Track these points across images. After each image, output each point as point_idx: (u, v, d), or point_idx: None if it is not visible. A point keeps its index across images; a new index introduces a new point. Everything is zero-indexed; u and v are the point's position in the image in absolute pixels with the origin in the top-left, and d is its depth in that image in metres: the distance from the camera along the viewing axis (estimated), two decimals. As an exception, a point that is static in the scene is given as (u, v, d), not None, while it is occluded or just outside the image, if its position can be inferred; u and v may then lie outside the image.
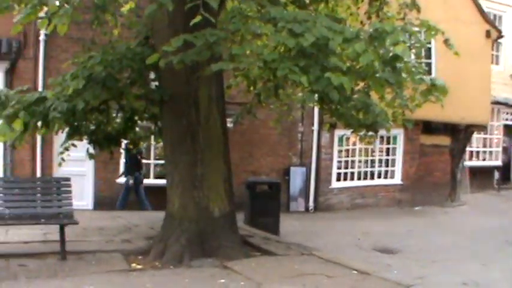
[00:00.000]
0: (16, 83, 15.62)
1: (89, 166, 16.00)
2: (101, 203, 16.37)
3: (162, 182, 15.22)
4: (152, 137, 13.19)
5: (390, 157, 20.41)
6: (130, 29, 11.94)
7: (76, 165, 15.14)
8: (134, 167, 16.03)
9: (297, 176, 18.35)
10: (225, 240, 9.57)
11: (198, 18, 7.01)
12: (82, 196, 15.74)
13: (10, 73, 16.41)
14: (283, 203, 15.57)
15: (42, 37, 16.35)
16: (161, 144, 13.42)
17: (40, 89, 15.20)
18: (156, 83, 10.21)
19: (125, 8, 12.15)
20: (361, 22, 12.03)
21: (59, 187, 9.90)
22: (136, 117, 11.03)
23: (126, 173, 16.09)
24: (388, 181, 20.33)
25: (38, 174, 16.17)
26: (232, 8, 9.87)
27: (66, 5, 7.93)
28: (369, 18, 11.98)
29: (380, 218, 17.16)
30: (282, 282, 8.03)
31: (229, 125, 12.69)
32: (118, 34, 11.93)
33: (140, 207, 15.99)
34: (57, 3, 8.10)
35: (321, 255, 9.74)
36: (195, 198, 9.55)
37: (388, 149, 20.38)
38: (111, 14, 11.08)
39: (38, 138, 15.34)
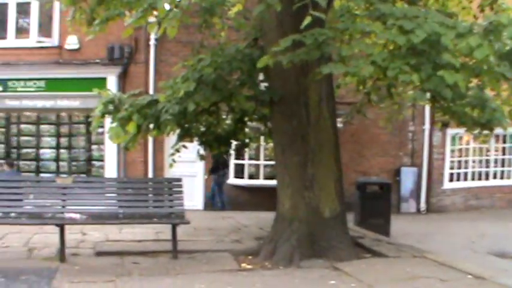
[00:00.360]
0: (128, 87, 16.17)
1: (199, 167, 16.29)
2: (211, 203, 16.61)
3: (271, 182, 15.31)
4: (262, 138, 13.18)
5: (507, 156, 19.69)
6: (237, 31, 12.03)
7: (187, 166, 15.45)
8: (219, 165, 16.11)
9: (408, 176, 18.03)
10: (335, 241, 9.41)
11: (308, 20, 6.92)
12: (192, 196, 16.02)
13: (122, 77, 17.01)
14: (393, 204, 15.29)
15: (152, 42, 16.85)
16: (270, 145, 13.46)
17: (151, 92, 15.66)
18: (266, 84, 10.21)
19: (233, 11, 12.27)
20: (474, 16, 11.58)
21: (171, 187, 10.09)
22: (246, 118, 11.06)
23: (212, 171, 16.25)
24: (505, 182, 19.65)
25: (150, 175, 16.64)
26: (341, 7, 9.76)
27: (174, 8, 8.06)
28: (482, 11, 11.48)
29: (496, 220, 16.55)
30: (393, 284, 7.82)
31: (339, 125, 12.55)
32: (225, 36, 12.05)
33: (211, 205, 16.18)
34: (167, 7, 8.27)
35: (433, 257, 9.42)
36: (305, 199, 9.44)
37: (504, 148, 19.68)
38: (218, 17, 11.19)
39: (150, 140, 15.72)
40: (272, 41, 9.14)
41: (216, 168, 16.32)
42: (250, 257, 9.62)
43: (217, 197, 16.55)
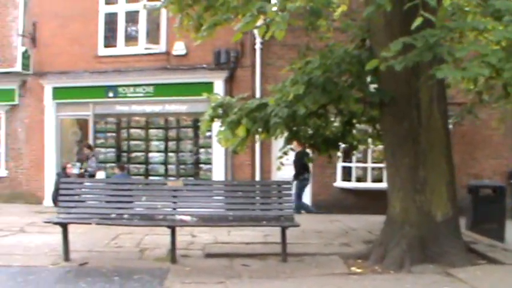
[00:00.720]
0: (235, 91, 16.37)
1: (306, 170, 16.21)
2: (318, 206, 16.53)
3: (379, 185, 15.11)
4: (369, 140, 12.96)
5: None
6: (343, 32, 11.92)
7: (294, 169, 15.39)
8: (300, 169, 15.87)
9: (523, 179, 17.29)
10: (447, 246, 9.13)
11: (419, 21, 6.75)
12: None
13: (229, 82, 17.21)
14: (508, 208, 14.68)
15: (258, 46, 16.95)
16: (378, 147, 13.23)
17: (257, 95, 15.72)
18: (375, 86, 10.05)
19: (337, 12, 12.18)
20: None
21: (280, 190, 10.09)
22: (354, 121, 10.90)
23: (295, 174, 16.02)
24: None
25: (257, 178, 16.70)
26: (451, 4, 9.49)
27: (279, 12, 8.06)
28: None
29: None
30: (511, 293, 7.54)
31: (449, 126, 12.20)
32: (332, 38, 11.95)
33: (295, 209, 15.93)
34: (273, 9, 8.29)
35: (555, 266, 8.98)
36: (416, 202, 9.22)
37: None
38: (324, 19, 11.13)
39: (257, 143, 15.78)
40: (380, 42, 9.02)
41: (299, 172, 16.04)
42: (359, 261, 9.50)
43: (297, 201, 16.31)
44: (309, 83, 8.70)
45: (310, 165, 14.46)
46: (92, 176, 17.25)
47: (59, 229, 9.74)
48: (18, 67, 18.91)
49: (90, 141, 18.98)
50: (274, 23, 7.99)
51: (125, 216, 9.85)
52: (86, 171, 17.76)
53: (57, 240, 10.27)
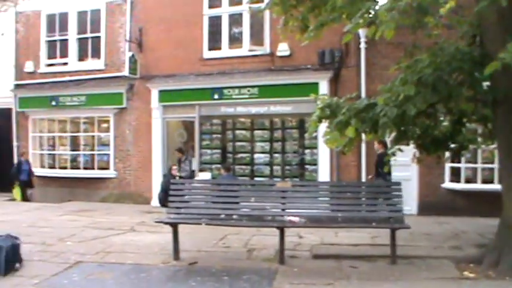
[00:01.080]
0: (340, 91, 16.24)
1: (413, 171, 15.91)
2: (425, 208, 16.18)
3: (490, 187, 14.61)
4: (480, 140, 12.52)
5: None
6: (450, 29, 11.59)
7: (400, 169, 15.14)
8: (379, 167, 15.40)
9: None
10: None
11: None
12: (407, 201, 15.58)
13: (334, 82, 17.04)
14: None
15: (362, 45, 16.70)
16: (488, 147, 12.80)
17: (363, 95, 15.51)
18: (487, 83, 9.70)
19: (445, 9, 11.86)
20: None
21: (389, 191, 9.94)
22: (464, 120, 10.56)
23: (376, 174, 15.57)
24: None
25: (363, 179, 16.48)
26: None
27: (384, 10, 7.93)
28: None
29: None
30: None
31: None
32: (438, 35, 11.65)
33: None
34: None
35: None
36: (533, 206, 8.85)
37: None
38: (431, 16, 10.87)
39: (363, 144, 15.60)
40: (493, 38, 8.73)
41: (378, 174, 15.56)
42: (471, 265, 9.24)
43: None
44: (419, 82, 8.49)
45: (417, 165, 14.07)
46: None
47: (167, 229, 10.00)
48: (125, 71, 19.56)
49: (196, 143, 19.29)
50: (383, 23, 7.88)
51: (234, 216, 10.00)
52: (180, 177, 17.92)
53: (166, 239, 10.55)
